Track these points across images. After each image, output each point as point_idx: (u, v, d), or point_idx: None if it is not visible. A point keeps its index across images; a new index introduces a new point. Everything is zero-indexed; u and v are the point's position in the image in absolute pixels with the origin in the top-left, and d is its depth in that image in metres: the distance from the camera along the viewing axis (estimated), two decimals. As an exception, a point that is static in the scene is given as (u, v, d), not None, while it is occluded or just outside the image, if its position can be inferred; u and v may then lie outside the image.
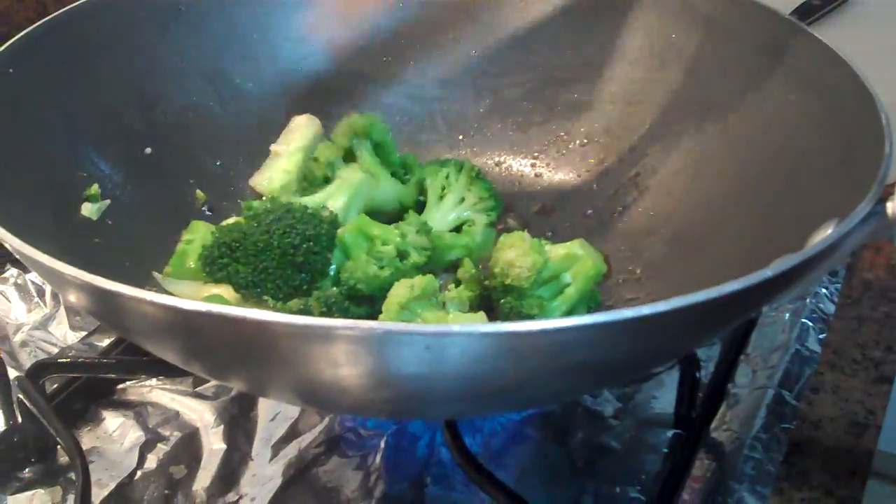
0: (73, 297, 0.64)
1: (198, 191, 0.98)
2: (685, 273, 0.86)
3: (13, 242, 0.61)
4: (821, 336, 0.91)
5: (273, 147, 1.00)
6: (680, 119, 0.96)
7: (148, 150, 0.96)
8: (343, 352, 0.54)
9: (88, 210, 0.88)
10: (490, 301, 0.85)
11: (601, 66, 1.03)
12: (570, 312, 0.83)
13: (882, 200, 0.62)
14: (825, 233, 0.63)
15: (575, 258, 0.84)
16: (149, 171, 0.95)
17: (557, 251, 0.85)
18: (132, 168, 0.94)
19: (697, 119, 0.94)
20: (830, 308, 0.95)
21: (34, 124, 0.85)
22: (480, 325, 0.52)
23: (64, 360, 0.82)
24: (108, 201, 0.90)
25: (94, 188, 0.89)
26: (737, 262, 0.77)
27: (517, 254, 0.81)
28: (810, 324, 0.92)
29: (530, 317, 0.81)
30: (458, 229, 0.97)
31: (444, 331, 0.53)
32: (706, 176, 0.91)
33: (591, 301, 0.86)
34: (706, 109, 0.93)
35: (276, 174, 0.98)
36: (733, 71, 0.91)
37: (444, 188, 0.97)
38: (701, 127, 0.93)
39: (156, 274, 0.86)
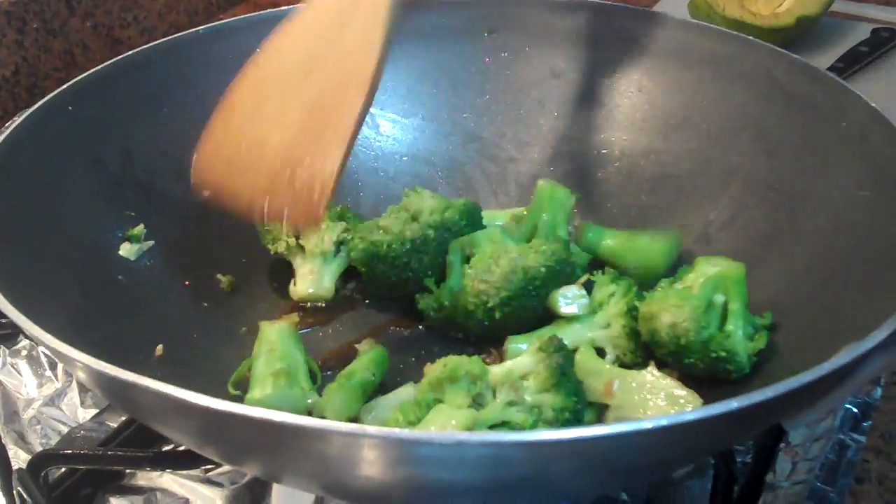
0: (83, 378, 0.65)
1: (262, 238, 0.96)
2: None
3: (23, 323, 0.62)
4: (865, 423, 0.86)
5: None
6: (752, 201, 0.93)
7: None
8: (360, 453, 0.55)
9: (127, 250, 0.88)
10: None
11: (682, 138, 1.00)
12: (745, 325, 0.81)
13: None
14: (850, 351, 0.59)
15: (713, 277, 0.82)
16: (201, 213, 0.94)
17: (693, 281, 0.83)
18: (185, 210, 0.94)
19: (768, 202, 0.91)
20: (877, 392, 0.89)
21: (88, 162, 0.87)
22: (497, 434, 0.59)
23: (66, 451, 0.79)
24: (151, 242, 0.90)
25: (139, 228, 0.89)
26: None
27: (672, 311, 0.80)
28: (855, 410, 0.87)
29: (725, 360, 0.79)
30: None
31: (455, 439, 0.53)
32: (771, 261, 0.89)
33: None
34: (776, 192, 0.91)
35: None
36: (810, 155, 0.89)
37: (601, 304, 0.88)
38: (772, 212, 0.91)
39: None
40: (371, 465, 0.56)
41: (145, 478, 0.84)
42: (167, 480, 0.83)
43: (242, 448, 0.63)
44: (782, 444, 0.84)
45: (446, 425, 0.69)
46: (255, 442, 0.60)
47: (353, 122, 0.75)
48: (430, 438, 0.53)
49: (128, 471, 0.84)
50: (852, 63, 1.38)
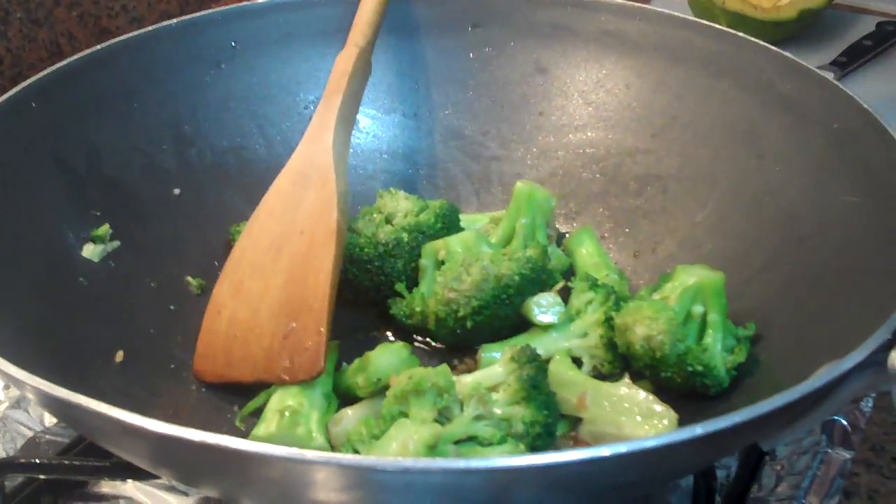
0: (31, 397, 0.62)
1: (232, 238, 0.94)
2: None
3: None
4: (854, 436, 0.83)
5: None
6: (740, 204, 0.91)
7: (176, 192, 0.94)
8: (314, 477, 0.53)
9: (90, 251, 0.85)
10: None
11: (670, 138, 0.98)
12: (725, 337, 0.79)
13: (887, 348, 0.55)
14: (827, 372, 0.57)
15: (691, 287, 0.80)
16: (172, 212, 0.93)
17: (671, 292, 0.81)
18: (154, 209, 0.92)
19: (756, 206, 0.89)
20: (868, 403, 0.86)
21: (51, 160, 0.84)
22: (444, 461, 0.55)
23: (23, 460, 0.77)
24: (116, 243, 0.88)
25: (104, 228, 0.87)
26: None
27: (647, 324, 0.77)
28: (844, 422, 0.84)
29: (702, 374, 0.76)
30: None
31: (401, 466, 0.51)
32: (757, 268, 0.86)
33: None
34: (765, 196, 0.88)
35: None
36: (800, 158, 0.86)
37: (578, 312, 0.85)
38: (760, 217, 0.88)
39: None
40: (319, 490, 0.54)
41: (109, 485, 0.82)
42: (131, 488, 0.81)
43: (193, 471, 0.62)
44: (767, 458, 0.81)
45: (407, 442, 0.66)
46: (203, 465, 0.58)
47: (327, 278, 0.81)
48: (372, 465, 0.50)
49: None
50: (856, 57, 1.35)
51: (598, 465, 0.51)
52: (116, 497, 0.80)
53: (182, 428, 0.52)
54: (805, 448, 0.82)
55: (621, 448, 0.50)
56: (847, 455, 0.82)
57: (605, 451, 0.50)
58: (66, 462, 0.78)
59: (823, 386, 0.56)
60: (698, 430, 0.52)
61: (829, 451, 0.82)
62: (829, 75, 1.25)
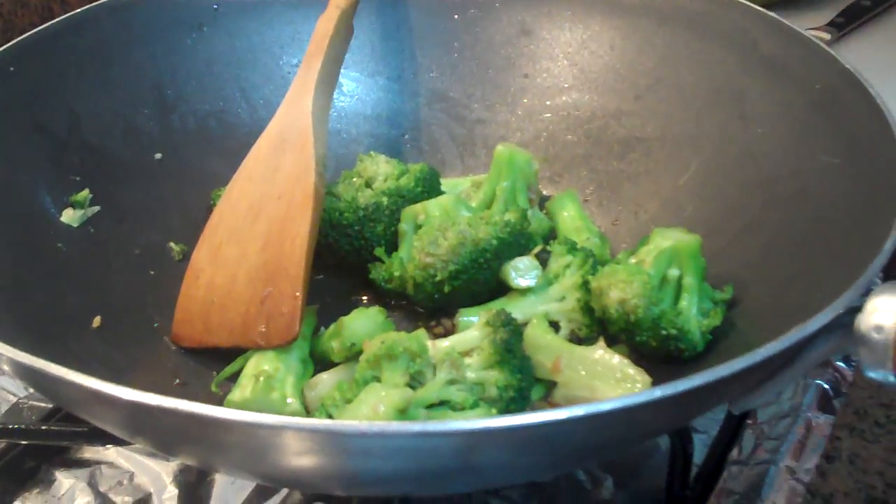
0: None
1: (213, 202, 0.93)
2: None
3: None
4: (836, 401, 0.83)
5: None
6: (723, 167, 0.89)
7: (158, 156, 0.94)
8: (276, 442, 0.53)
9: (69, 216, 0.85)
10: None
11: (654, 100, 0.97)
12: (700, 300, 0.78)
13: (854, 311, 0.55)
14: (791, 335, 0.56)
15: (667, 251, 0.79)
16: (154, 177, 0.93)
17: (647, 255, 0.80)
18: (136, 174, 0.92)
19: (739, 169, 0.87)
20: (851, 367, 0.85)
21: (29, 124, 0.84)
22: (400, 424, 0.54)
23: (3, 425, 0.77)
24: (96, 208, 0.87)
25: (83, 193, 0.87)
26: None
27: (622, 287, 0.76)
28: (826, 386, 0.84)
29: (676, 338, 0.76)
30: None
31: (382, 430, 0.51)
32: (738, 232, 0.85)
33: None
34: (749, 158, 0.87)
35: None
36: (784, 120, 0.85)
37: (557, 276, 0.84)
38: (743, 179, 0.87)
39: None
40: (284, 455, 0.54)
41: (91, 451, 0.83)
42: (112, 453, 0.82)
43: (162, 438, 0.62)
44: (748, 421, 0.81)
45: (377, 406, 0.66)
46: (170, 432, 0.58)
47: (304, 243, 0.80)
48: (329, 428, 0.50)
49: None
50: (854, 18, 1.33)
51: (556, 427, 0.50)
52: (98, 462, 0.81)
53: (142, 393, 0.51)
54: (786, 412, 0.82)
55: (578, 411, 0.50)
56: (828, 419, 0.81)
57: (561, 413, 0.50)
58: (44, 428, 0.78)
59: (787, 348, 0.56)
60: (657, 392, 0.51)
61: (810, 415, 0.82)
62: (826, 36, 1.24)
